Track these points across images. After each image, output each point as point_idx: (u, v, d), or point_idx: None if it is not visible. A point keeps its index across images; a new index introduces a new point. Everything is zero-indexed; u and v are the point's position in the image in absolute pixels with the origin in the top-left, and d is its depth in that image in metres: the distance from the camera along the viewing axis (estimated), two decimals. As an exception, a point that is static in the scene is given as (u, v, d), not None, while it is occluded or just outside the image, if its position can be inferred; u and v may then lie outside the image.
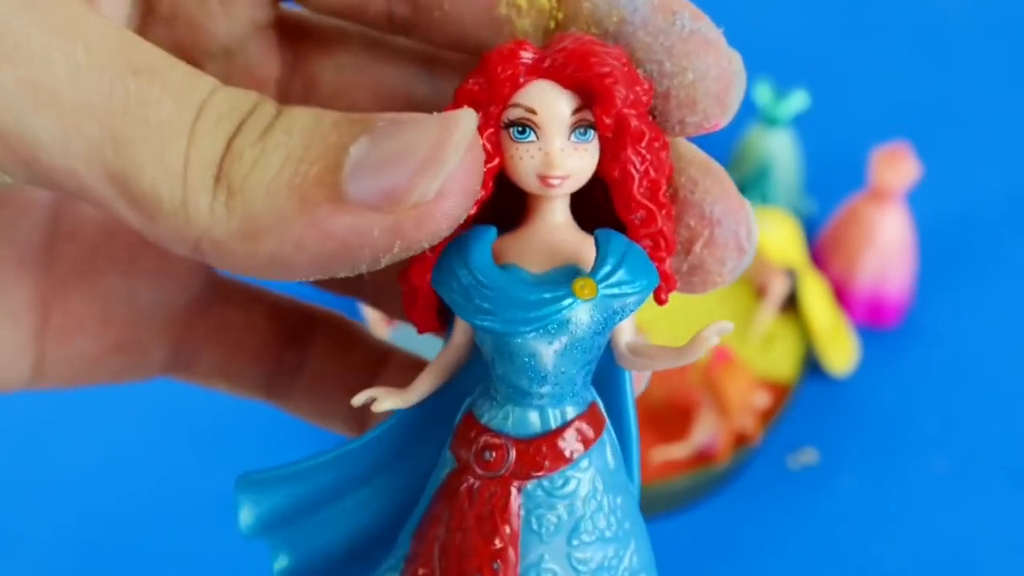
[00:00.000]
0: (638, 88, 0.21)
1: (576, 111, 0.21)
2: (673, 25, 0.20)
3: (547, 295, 0.21)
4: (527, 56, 0.21)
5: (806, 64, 0.86)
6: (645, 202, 0.21)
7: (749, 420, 0.64)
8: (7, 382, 0.26)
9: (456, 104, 0.21)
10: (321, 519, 0.26)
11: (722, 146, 0.79)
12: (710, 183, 0.21)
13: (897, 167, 0.70)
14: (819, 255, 0.74)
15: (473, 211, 0.21)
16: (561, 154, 0.21)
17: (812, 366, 0.70)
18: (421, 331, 0.23)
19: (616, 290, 0.21)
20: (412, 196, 0.19)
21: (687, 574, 0.63)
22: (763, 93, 0.73)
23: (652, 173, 0.21)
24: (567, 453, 0.22)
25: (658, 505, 0.64)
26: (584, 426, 0.23)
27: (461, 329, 0.23)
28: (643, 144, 0.21)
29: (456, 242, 0.22)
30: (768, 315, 0.71)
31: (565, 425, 0.22)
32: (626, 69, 0.21)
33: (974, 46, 0.92)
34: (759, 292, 0.73)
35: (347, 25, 0.25)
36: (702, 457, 0.64)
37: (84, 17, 0.19)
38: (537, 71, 0.21)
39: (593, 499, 0.23)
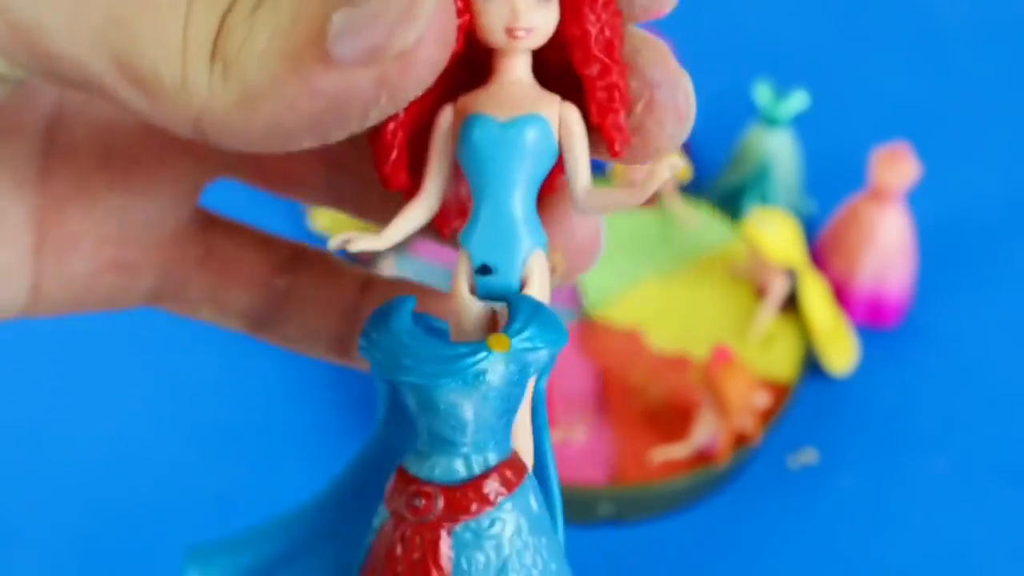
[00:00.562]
0: None
1: None
2: None
3: (464, 350, 0.23)
4: None
5: (806, 64, 0.86)
6: (601, 56, 0.22)
7: (749, 420, 0.64)
8: (3, 306, 0.27)
9: None
10: None
11: (722, 146, 0.79)
12: (650, 52, 0.23)
13: (897, 167, 0.70)
14: (819, 255, 0.74)
15: (448, 63, 0.22)
16: (525, 7, 0.22)
17: (812, 366, 0.70)
18: (390, 187, 0.24)
19: (528, 344, 0.23)
20: (393, 47, 0.20)
21: (687, 574, 0.63)
22: (763, 93, 0.73)
23: (607, 32, 0.23)
24: (492, 496, 0.24)
25: (658, 505, 0.64)
26: (507, 472, 0.24)
27: (432, 181, 0.24)
28: (599, 3, 0.23)
29: (377, 313, 0.24)
30: (768, 315, 0.71)
31: (489, 471, 0.24)
32: None
33: (974, 47, 0.93)
34: (759, 292, 0.73)
35: None
36: (702, 457, 0.64)
37: None
38: None
39: (518, 537, 0.24)
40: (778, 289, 0.71)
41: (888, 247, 0.71)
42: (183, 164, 0.27)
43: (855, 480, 0.66)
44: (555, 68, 0.23)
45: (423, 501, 0.24)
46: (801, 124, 0.76)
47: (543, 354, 0.23)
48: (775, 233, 0.70)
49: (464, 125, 0.23)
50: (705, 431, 0.64)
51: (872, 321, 0.73)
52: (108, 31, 0.20)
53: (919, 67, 0.91)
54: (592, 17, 0.22)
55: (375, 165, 0.24)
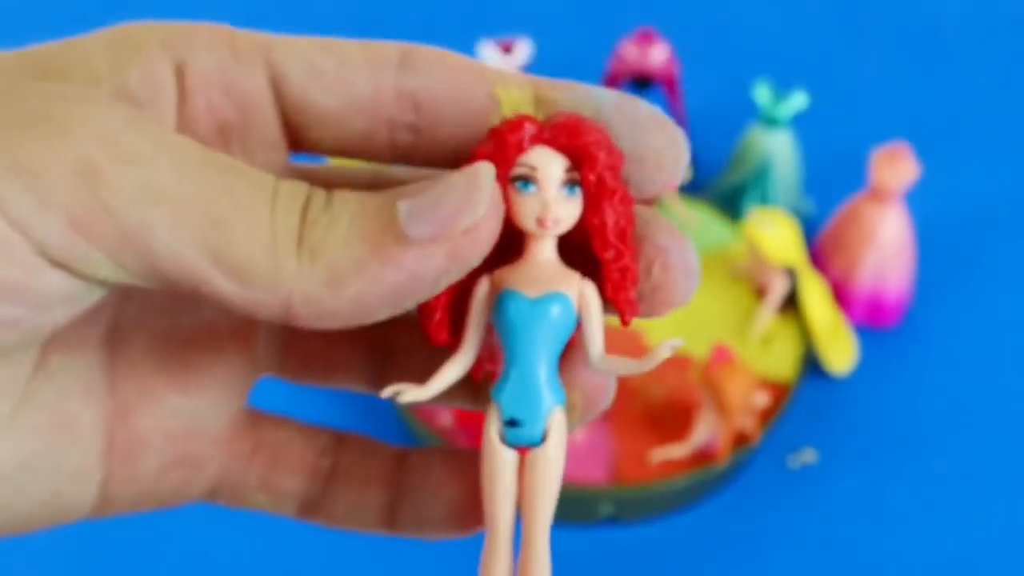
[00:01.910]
0: (615, 156, 0.26)
1: (567, 170, 0.26)
2: (638, 113, 0.27)
3: None
4: (530, 127, 0.26)
5: (806, 64, 0.86)
6: (617, 243, 0.27)
7: (749, 420, 0.64)
8: (73, 508, 0.29)
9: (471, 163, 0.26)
10: None
11: (722, 146, 0.79)
12: (657, 225, 0.27)
13: (897, 167, 0.70)
14: (819, 255, 0.74)
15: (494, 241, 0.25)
16: (555, 202, 0.26)
17: (812, 366, 0.70)
18: (435, 343, 0.27)
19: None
20: (462, 224, 0.24)
21: (687, 574, 0.63)
22: (763, 93, 0.73)
23: (622, 222, 0.27)
24: None
25: (658, 505, 0.64)
26: None
27: (469, 340, 0.27)
28: (617, 199, 0.26)
29: None
30: (768, 315, 0.71)
31: None
32: (606, 141, 0.26)
33: (974, 46, 0.93)
34: (759, 292, 0.73)
35: (352, 172, 0.29)
36: (702, 457, 0.64)
37: (169, 132, 0.24)
38: (538, 139, 0.26)
39: None
40: (778, 289, 0.71)
41: (888, 247, 0.71)
42: (234, 362, 0.30)
43: (855, 480, 0.66)
44: (574, 242, 0.27)
45: None
46: (801, 124, 0.76)
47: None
48: (775, 233, 0.70)
49: (500, 299, 0.26)
50: (705, 431, 0.64)
51: (872, 321, 0.73)
52: (206, 230, 0.23)
53: (919, 67, 0.91)
54: (610, 210, 0.26)
55: (421, 325, 0.27)
